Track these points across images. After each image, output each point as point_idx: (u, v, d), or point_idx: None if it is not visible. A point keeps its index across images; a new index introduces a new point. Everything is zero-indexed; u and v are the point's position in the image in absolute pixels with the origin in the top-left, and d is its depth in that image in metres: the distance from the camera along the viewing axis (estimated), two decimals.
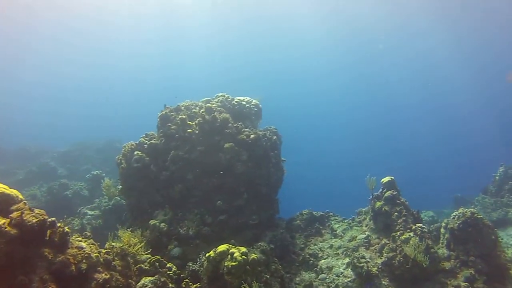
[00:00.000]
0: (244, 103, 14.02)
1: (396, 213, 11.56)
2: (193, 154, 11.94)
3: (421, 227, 10.88)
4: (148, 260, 8.88)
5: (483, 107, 66.43)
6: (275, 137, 13.69)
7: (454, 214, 11.46)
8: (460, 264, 10.57)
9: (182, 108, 13.20)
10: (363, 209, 13.78)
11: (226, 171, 11.96)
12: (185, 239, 10.86)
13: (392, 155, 59.72)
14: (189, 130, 12.13)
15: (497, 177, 21.10)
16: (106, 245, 8.40)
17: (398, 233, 11.04)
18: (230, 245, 9.13)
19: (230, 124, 12.25)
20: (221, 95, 14.01)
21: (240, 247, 9.05)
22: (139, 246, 8.97)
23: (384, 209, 11.83)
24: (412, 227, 11.01)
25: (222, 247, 8.96)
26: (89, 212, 17.80)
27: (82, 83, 75.82)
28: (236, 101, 13.90)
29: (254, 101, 14.45)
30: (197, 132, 12.16)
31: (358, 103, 73.51)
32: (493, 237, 10.84)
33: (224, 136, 12.10)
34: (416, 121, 70.02)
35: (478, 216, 11.01)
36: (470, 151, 60.07)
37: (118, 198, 15.95)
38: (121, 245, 8.57)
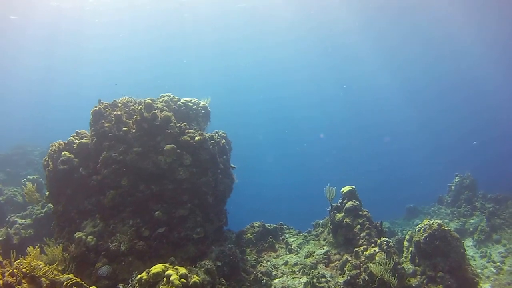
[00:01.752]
0: (191, 104, 12.76)
1: (358, 226, 10.52)
2: (128, 156, 10.31)
3: (386, 241, 9.83)
4: (66, 282, 7.38)
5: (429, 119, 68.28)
6: (224, 141, 12.47)
7: (419, 226, 10.72)
8: (427, 280, 9.88)
9: (119, 104, 11.57)
10: (320, 221, 12.80)
11: (167, 176, 10.48)
12: (116, 256, 9.28)
13: (343, 164, 59.82)
14: (124, 129, 10.52)
15: (452, 187, 20.86)
16: (14, 263, 6.89)
17: (362, 248, 9.97)
18: (168, 265, 7.74)
19: (172, 124, 10.75)
20: (166, 95, 12.69)
21: (179, 268, 7.67)
22: (55, 264, 7.53)
23: (346, 221, 10.75)
24: (377, 241, 9.96)
25: (157, 268, 7.50)
26: (19, 221, 15.93)
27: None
28: (182, 102, 12.61)
29: (202, 103, 13.28)
30: (133, 131, 10.57)
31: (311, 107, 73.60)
32: (461, 250, 10.20)
33: (165, 136, 10.60)
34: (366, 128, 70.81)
35: (446, 228, 10.35)
36: (415, 163, 61.09)
37: (51, 206, 14.23)
38: (30, 263, 7.01)
